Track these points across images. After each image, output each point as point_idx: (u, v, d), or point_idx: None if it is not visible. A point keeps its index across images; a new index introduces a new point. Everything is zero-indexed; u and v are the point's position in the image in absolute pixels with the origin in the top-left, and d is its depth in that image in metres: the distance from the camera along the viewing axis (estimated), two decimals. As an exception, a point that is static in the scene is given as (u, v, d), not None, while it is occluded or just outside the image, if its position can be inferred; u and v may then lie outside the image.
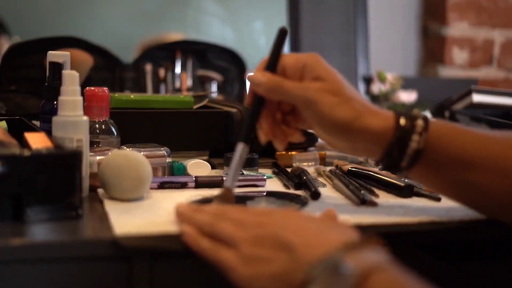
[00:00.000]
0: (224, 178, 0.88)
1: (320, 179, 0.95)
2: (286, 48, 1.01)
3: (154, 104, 1.07)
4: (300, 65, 0.73)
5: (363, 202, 0.80)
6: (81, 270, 0.64)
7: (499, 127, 1.16)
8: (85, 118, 0.79)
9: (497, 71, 2.02)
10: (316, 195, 0.82)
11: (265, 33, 1.85)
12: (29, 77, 1.29)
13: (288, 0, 1.78)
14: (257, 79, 0.73)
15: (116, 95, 1.07)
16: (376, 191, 0.86)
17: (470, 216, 0.74)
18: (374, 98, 1.70)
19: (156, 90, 1.46)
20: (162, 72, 1.47)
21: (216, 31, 1.81)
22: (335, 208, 0.69)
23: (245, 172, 0.95)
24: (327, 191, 0.88)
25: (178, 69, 1.48)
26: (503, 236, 0.74)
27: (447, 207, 0.79)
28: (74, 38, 1.35)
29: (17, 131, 0.86)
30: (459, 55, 1.98)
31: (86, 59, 1.33)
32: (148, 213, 0.73)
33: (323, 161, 1.08)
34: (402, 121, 0.71)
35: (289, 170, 0.97)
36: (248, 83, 0.76)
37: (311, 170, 1.00)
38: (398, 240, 0.70)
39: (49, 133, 0.80)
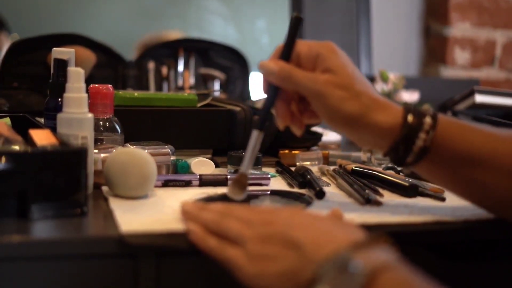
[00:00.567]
0: (228, 176, 0.88)
1: (324, 178, 0.95)
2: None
3: (158, 102, 1.07)
4: (313, 54, 0.72)
5: (368, 202, 0.79)
6: (86, 268, 0.64)
7: (501, 127, 1.15)
8: (90, 115, 0.78)
9: (498, 72, 2.02)
10: (321, 194, 0.82)
11: (268, 31, 1.84)
12: (32, 74, 1.28)
13: (291, -1, 1.78)
14: (269, 68, 0.73)
15: (120, 92, 1.07)
16: (381, 190, 0.86)
17: (476, 216, 0.74)
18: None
19: (158, 88, 1.45)
20: (164, 70, 1.46)
21: (219, 30, 1.81)
22: (340, 207, 0.69)
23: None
24: (332, 190, 0.88)
25: (180, 67, 1.48)
26: (509, 236, 0.74)
27: (452, 206, 0.79)
28: (77, 35, 1.35)
29: (20, 128, 0.85)
30: (461, 55, 1.97)
31: (89, 57, 1.33)
32: (153, 211, 0.73)
33: (326, 160, 1.08)
34: (410, 118, 0.71)
35: (292, 169, 0.97)
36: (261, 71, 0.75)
37: (314, 169, 1.00)
38: (404, 240, 0.69)
39: (53, 130, 0.80)
